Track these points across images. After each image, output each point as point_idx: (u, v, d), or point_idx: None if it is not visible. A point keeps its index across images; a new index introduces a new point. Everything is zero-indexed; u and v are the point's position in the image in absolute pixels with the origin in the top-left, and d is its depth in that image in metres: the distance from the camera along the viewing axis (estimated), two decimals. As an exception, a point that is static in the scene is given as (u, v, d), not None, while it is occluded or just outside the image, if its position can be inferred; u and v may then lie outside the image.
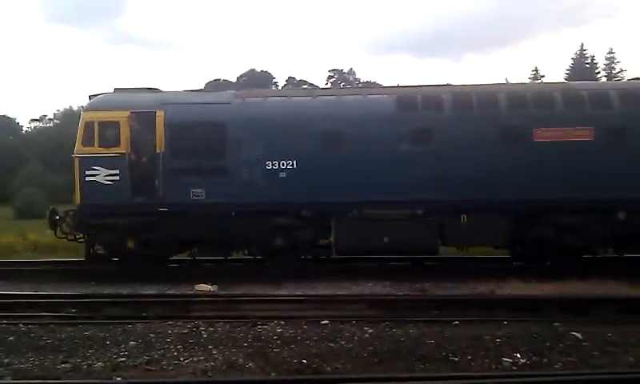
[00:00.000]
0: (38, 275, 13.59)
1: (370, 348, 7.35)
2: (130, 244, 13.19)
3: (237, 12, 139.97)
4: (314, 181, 12.66)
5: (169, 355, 7.21)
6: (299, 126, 12.81)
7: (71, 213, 13.55)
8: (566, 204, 12.41)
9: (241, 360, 6.97)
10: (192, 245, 13.74)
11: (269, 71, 75.17)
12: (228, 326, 8.53)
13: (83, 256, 13.84)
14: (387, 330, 8.28)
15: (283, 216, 12.94)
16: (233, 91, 14.32)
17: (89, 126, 13.28)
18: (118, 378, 6.37)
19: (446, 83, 14.86)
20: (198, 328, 8.44)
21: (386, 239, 12.50)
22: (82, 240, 13.72)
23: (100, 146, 13.13)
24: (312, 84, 58.91)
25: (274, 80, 73.69)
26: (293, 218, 12.96)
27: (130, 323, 8.79)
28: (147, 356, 7.17)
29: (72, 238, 13.77)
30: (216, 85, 57.95)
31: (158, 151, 13.10)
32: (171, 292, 11.57)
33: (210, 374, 6.56)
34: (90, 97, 14.22)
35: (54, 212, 13.86)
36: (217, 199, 12.90)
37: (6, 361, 7.06)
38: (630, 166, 12.27)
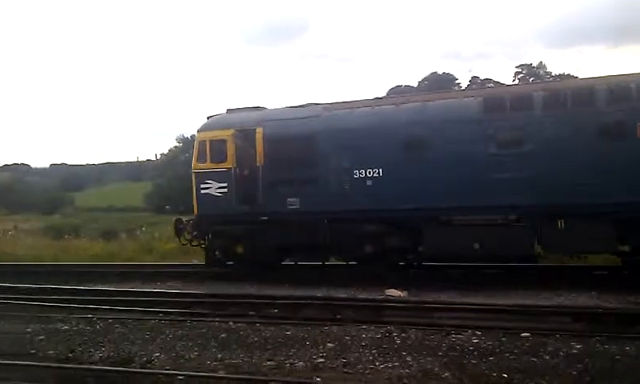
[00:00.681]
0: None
1: (580, 365, 6.70)
2: (240, 249, 14.47)
3: (415, 17, 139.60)
4: (397, 188, 12.79)
5: (364, 359, 7.31)
6: (383, 135, 13.01)
7: (191, 222, 15.23)
8: None
9: (436, 369, 6.81)
10: (291, 251, 14.34)
11: (451, 73, 73.72)
12: (421, 334, 8.42)
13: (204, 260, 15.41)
14: (598, 345, 7.51)
15: (371, 223, 13.22)
16: (323, 104, 14.68)
17: (202, 144, 14.94)
18: (318, 379, 6.62)
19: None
20: (390, 333, 8.46)
21: (476, 246, 12.17)
22: (203, 245, 15.20)
23: (211, 162, 14.68)
24: (497, 82, 56.38)
25: (457, 81, 71.90)
26: (380, 224, 13.19)
27: (326, 325, 9.13)
28: (344, 359, 7.34)
29: (196, 243, 15.32)
30: (398, 91, 58.27)
31: (258, 165, 14.23)
32: (362, 296, 11.83)
33: (405, 381, 6.52)
34: (207, 117, 15.72)
35: (179, 221, 15.63)
36: (310, 208, 13.60)
37: (219, 356, 7.74)
38: None
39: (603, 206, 11.34)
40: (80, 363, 7.70)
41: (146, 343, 8.53)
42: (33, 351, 8.34)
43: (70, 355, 8.09)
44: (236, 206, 14.34)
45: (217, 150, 14.62)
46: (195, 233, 15.18)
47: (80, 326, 9.79)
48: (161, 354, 7.92)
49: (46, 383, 6.73)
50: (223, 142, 14.57)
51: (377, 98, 14.65)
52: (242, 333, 8.90)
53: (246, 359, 7.53)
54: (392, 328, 8.74)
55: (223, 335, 8.79)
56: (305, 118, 14.17)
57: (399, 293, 11.96)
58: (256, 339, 8.49)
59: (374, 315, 9.98)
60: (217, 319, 9.91)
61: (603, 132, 11.40)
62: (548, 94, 12.13)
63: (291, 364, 7.26)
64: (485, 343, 7.79)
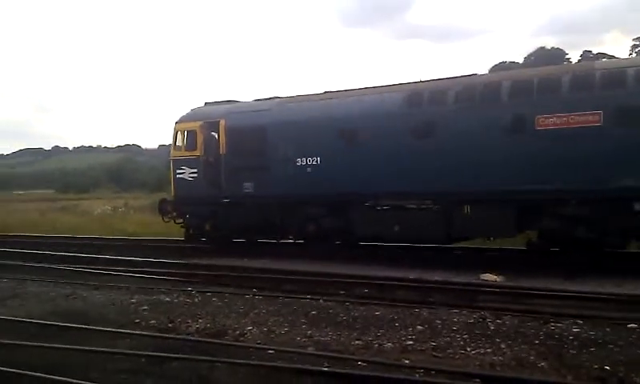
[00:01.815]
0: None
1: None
2: (207, 227, 16.38)
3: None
4: (333, 174, 13.99)
5: (455, 344, 7.13)
6: (321, 127, 14.25)
7: (170, 202, 17.25)
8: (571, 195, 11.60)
9: (532, 358, 6.51)
10: (249, 230, 16.02)
11: (560, 47, 69.49)
12: (517, 320, 8.08)
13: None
14: None
15: (312, 206, 14.59)
16: (276, 98, 16.14)
17: (178, 134, 16.80)
18: (406, 361, 6.54)
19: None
20: (484, 319, 8.19)
21: (396, 228, 13.17)
22: (181, 223, 17.16)
23: (185, 150, 16.50)
24: (612, 56, 52.44)
25: (567, 56, 67.77)
26: (319, 207, 14.54)
27: (416, 307, 9.00)
28: (434, 342, 7.20)
29: (178, 222, 17.27)
30: (502, 67, 55.82)
31: (221, 153, 15.88)
32: (456, 280, 11.53)
33: (498, 368, 6.28)
34: (205, 103, 17.54)
35: (163, 201, 17.66)
36: (262, 192, 15.17)
37: (308, 332, 7.85)
38: None
39: (506, 194, 12.05)
40: (178, 333, 8.11)
41: (239, 317, 8.83)
42: (137, 320, 8.89)
43: (170, 325, 8.55)
44: (204, 189, 16.12)
45: (189, 139, 16.45)
46: (174, 213, 17.23)
47: (180, 298, 10.31)
48: (253, 327, 8.17)
49: (148, 351, 7.10)
50: (194, 132, 16.36)
51: (324, 93, 15.59)
52: (331, 311, 8.97)
53: (334, 337, 7.59)
54: (486, 313, 8.45)
55: (313, 312, 8.92)
56: (258, 111, 15.86)
57: (495, 277, 11.55)
58: (345, 318, 8.54)
59: (467, 299, 9.71)
60: (308, 296, 10.05)
61: (507, 125, 12.02)
62: (460, 89, 12.93)
63: (379, 344, 7.22)
64: (586, 333, 7.34)
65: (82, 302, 10.35)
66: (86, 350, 7.23)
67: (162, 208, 17.49)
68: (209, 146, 16.14)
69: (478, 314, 8.46)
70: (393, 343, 7.24)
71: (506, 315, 8.34)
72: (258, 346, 7.34)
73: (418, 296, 10.00)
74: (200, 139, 16.22)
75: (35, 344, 7.56)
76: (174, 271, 13.37)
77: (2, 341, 7.70)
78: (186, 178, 16.42)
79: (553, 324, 7.84)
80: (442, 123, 12.75)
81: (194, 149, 16.31)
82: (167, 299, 10.30)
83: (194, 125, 16.44)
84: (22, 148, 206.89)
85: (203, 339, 7.72)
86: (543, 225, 12.14)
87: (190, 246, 17.14)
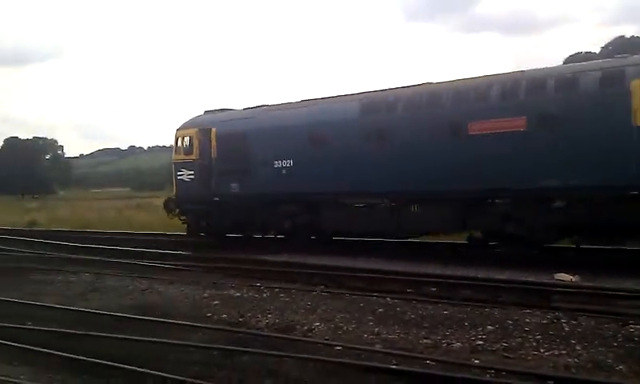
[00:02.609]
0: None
1: None
2: (203, 223, 18.22)
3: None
4: (303, 175, 15.46)
5: (527, 345, 6.94)
6: (293, 133, 15.76)
7: (173, 200, 18.97)
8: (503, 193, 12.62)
9: (609, 360, 6.26)
10: (238, 226, 17.76)
11: None
12: (593, 322, 7.77)
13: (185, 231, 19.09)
14: None
15: (287, 204, 16.04)
16: (259, 107, 17.84)
17: (178, 140, 18.62)
18: (476, 361, 6.42)
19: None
20: (558, 320, 7.92)
21: (356, 223, 14.79)
22: (183, 220, 18.89)
23: (184, 155, 18.31)
24: (697, 43, 49.15)
25: (647, 44, 64.00)
26: (293, 205, 15.95)
27: (486, 307, 8.81)
28: (505, 343, 7.03)
29: (181, 218, 18.97)
30: (577, 58, 53.51)
31: (212, 157, 17.57)
32: (528, 279, 11.17)
33: (573, 370, 6.07)
34: (205, 112, 19.25)
35: (169, 200, 19.26)
36: (245, 191, 16.82)
37: (376, 330, 7.85)
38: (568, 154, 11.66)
39: (447, 193, 13.23)
40: (249, 328, 8.31)
41: (307, 313, 8.94)
42: (209, 314, 9.18)
43: (241, 320, 8.76)
44: (199, 189, 17.84)
45: (187, 144, 18.24)
46: (177, 210, 18.92)
47: (249, 294, 10.56)
48: (321, 324, 8.25)
49: (220, 344, 7.31)
50: (190, 138, 18.13)
51: (298, 101, 16.91)
52: (398, 309, 8.93)
53: (402, 335, 7.56)
54: (560, 314, 8.17)
55: (380, 310, 8.91)
56: (242, 119, 17.59)
57: (570, 277, 11.12)
58: (413, 316, 8.48)
59: (539, 300, 9.38)
60: (374, 294, 10.04)
61: (446, 131, 13.12)
62: (408, 98, 14.25)
63: (448, 344, 7.13)
64: (670, 337, 6.97)
65: (157, 296, 10.78)
66: (162, 342, 7.53)
67: (167, 206, 19.23)
68: (203, 151, 17.81)
69: (552, 314, 8.20)
70: (462, 343, 7.13)
71: (582, 316, 8.04)
72: (325, 341, 7.41)
73: (488, 295, 9.76)
74: (195, 144, 17.94)
75: (114, 336, 7.95)
76: (242, 267, 13.65)
77: (84, 332, 8.15)
78: (185, 179, 18.27)
79: (632, 326, 7.50)
80: (392, 129, 14.04)
81: (191, 153, 18.10)
82: (237, 294, 10.57)
83: (191, 132, 18.25)
84: (101, 148, 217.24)
85: (272, 334, 7.87)
86: (480, 222, 13.22)
87: (255, 243, 17.50)
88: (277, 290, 10.78)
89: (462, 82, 13.77)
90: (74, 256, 16.51)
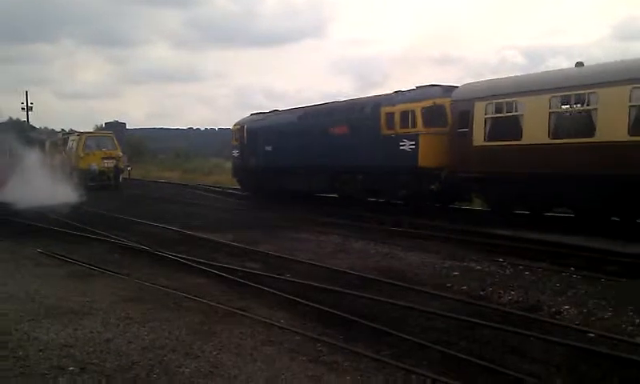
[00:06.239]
0: None
1: None
2: (244, 183, 29.01)
3: None
4: (278, 155, 24.41)
5: None
6: (274, 130, 25.06)
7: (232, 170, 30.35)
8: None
9: None
10: (260, 187, 26.98)
11: None
12: None
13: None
14: None
15: (271, 172, 25.13)
16: (269, 111, 27.73)
17: (232, 132, 28.99)
18: None
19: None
20: None
21: (306, 185, 23.25)
22: (238, 181, 29.92)
23: (234, 140, 28.51)
24: None
25: None
26: (275, 173, 24.88)
27: None
28: None
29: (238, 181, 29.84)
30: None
31: (244, 144, 27.17)
32: None
33: None
34: (250, 114, 29.07)
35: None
36: (256, 164, 26.17)
37: (637, 321, 7.00)
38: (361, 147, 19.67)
39: (322, 166, 21.60)
40: (489, 302, 8.09)
41: (555, 294, 8.36)
42: (448, 285, 9.18)
43: (482, 293, 8.58)
44: (240, 162, 27.92)
45: (236, 134, 28.25)
46: (236, 177, 29.65)
47: (491, 268, 10.24)
48: (571, 307, 7.65)
49: (460, 315, 7.27)
50: (236, 131, 28.27)
51: (282, 110, 26.98)
52: None
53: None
54: None
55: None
56: (257, 120, 27.11)
57: None
58: None
59: None
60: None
61: (322, 130, 21.75)
62: (311, 112, 23.58)
63: None
64: None
65: (397, 262, 11.13)
66: (403, 306, 7.78)
67: (233, 173, 30.14)
68: (241, 139, 27.57)
69: None
70: None
71: None
72: (576, 326, 6.86)
73: None
74: (238, 135, 27.95)
75: (358, 294, 8.46)
76: (478, 240, 13.28)
77: (332, 287, 8.83)
78: (235, 155, 28.48)
79: None
80: (308, 129, 22.60)
81: (237, 141, 28.02)
82: (478, 268, 10.34)
83: (237, 127, 28.25)
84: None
85: (515, 311, 7.56)
86: (340, 186, 21.59)
87: (495, 217, 16.74)
88: (520, 267, 10.26)
89: (327, 105, 23.16)
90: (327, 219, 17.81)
